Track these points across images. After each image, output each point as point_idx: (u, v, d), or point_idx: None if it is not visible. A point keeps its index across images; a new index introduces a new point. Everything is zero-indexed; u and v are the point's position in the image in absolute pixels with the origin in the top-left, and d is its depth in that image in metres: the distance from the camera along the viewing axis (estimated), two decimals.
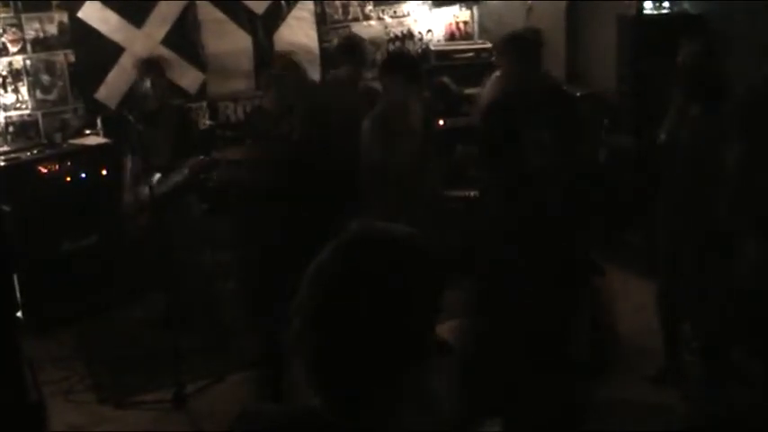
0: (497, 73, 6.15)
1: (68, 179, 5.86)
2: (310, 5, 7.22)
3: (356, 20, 7.42)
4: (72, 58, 6.49)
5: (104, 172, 5.97)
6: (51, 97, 6.47)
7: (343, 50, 5.88)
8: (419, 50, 7.56)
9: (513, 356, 3.21)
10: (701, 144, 4.01)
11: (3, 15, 6.24)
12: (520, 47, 5.81)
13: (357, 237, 1.40)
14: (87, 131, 6.39)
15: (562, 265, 3.24)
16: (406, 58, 5.21)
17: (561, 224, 3.21)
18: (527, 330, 3.15)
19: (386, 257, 1.37)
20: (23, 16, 6.31)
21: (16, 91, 6.36)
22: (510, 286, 3.14)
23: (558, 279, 3.22)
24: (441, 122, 6.79)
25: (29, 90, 6.40)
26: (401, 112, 4.73)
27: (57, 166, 5.88)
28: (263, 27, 7.08)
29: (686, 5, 6.23)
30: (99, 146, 6.14)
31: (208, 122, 6.87)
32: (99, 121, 6.34)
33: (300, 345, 1.36)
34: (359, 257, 1.37)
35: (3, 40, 6.28)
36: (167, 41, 6.75)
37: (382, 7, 7.48)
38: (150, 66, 5.68)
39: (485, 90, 6.14)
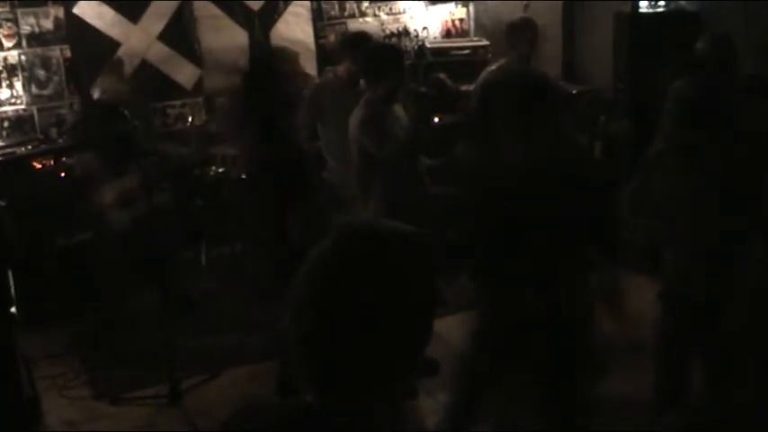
0: (493, 66, 6.17)
1: (63, 174, 5.84)
2: (306, 2, 7.21)
3: (352, 16, 7.42)
4: (68, 54, 6.48)
5: None
6: (47, 92, 6.46)
7: (347, 46, 5.71)
8: (415, 47, 7.57)
9: (513, 353, 3.21)
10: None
11: None
12: (530, 29, 5.85)
13: (359, 229, 1.39)
14: None
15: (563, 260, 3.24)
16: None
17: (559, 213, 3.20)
18: (525, 327, 3.15)
19: (387, 252, 1.36)
20: (19, 11, 6.30)
21: (11, 86, 6.35)
22: (507, 279, 3.13)
23: (557, 273, 3.22)
24: (436, 120, 6.80)
25: (24, 85, 6.38)
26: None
27: (52, 162, 5.87)
28: (260, 23, 7.08)
29: (682, 3, 6.25)
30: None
31: (205, 118, 6.88)
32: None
33: (292, 333, 1.35)
34: (359, 250, 1.35)
35: None
36: (163, 37, 6.74)
37: (378, 4, 7.47)
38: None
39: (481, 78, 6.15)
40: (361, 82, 4.97)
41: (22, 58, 6.36)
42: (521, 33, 5.94)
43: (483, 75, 6.11)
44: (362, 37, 5.59)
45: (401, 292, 1.34)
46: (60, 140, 6.24)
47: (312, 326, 1.33)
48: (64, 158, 5.88)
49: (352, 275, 1.33)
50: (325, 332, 1.32)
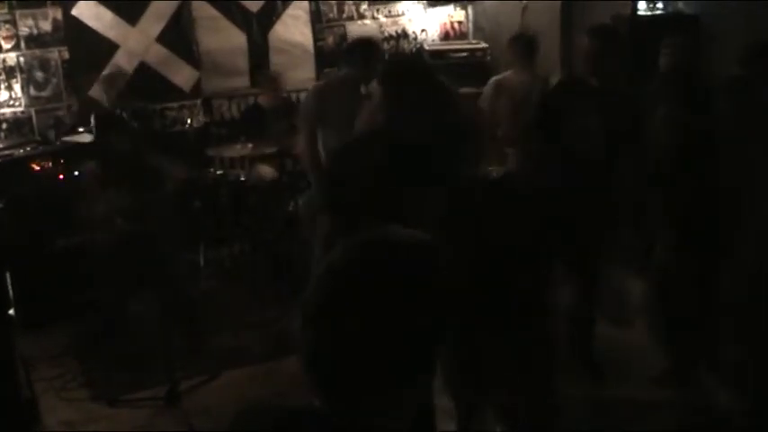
0: (497, 76, 6.16)
1: (62, 176, 5.84)
2: (305, 4, 7.23)
3: (351, 19, 7.43)
4: (66, 55, 6.48)
5: None
6: (45, 94, 6.46)
7: (348, 51, 5.69)
8: (413, 50, 7.57)
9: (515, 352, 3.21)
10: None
11: None
12: (529, 45, 5.87)
13: (371, 239, 1.38)
14: (81, 129, 6.37)
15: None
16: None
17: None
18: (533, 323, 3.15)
19: (398, 260, 1.34)
20: (17, 13, 6.31)
21: (10, 88, 6.35)
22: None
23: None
24: None
25: (22, 87, 6.39)
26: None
27: (50, 164, 5.86)
28: (258, 25, 7.08)
29: (680, 5, 6.25)
30: (92, 143, 6.12)
31: (202, 120, 6.87)
32: (92, 119, 6.32)
33: (301, 340, 1.35)
34: (370, 260, 1.35)
35: None
36: (162, 39, 6.75)
37: (377, 6, 7.49)
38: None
39: (484, 92, 6.14)
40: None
41: (21, 59, 6.37)
42: (521, 47, 5.96)
43: (490, 82, 6.14)
44: (368, 43, 5.59)
45: (414, 300, 1.32)
46: (57, 143, 6.24)
47: (318, 329, 1.33)
48: (62, 160, 5.86)
49: (363, 284, 1.32)
50: (329, 336, 1.32)
